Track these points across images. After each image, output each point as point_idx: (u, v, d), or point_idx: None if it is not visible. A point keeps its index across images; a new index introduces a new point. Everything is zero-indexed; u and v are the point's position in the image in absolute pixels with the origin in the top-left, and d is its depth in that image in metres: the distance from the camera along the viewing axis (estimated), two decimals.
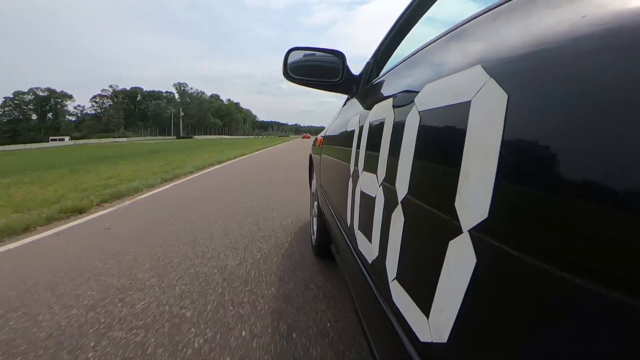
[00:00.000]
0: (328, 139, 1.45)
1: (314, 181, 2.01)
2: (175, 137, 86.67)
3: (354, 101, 1.10)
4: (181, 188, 4.48)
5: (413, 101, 0.45)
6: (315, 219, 1.85)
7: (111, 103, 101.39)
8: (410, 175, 0.42)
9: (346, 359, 1.04)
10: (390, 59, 1.03)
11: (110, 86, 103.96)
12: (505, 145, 0.25)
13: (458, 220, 0.30)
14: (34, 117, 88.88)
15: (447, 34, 0.49)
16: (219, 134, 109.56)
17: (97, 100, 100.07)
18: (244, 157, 10.75)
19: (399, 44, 1.00)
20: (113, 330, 1.18)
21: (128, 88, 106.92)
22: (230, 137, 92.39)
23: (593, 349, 0.18)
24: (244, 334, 1.15)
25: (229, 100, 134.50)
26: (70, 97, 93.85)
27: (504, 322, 0.25)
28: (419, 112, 0.42)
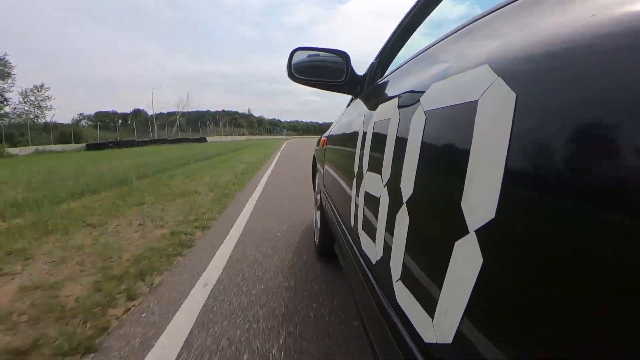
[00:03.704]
0: (332, 140, 1.44)
1: (317, 182, 2.01)
2: None
3: (358, 102, 1.10)
4: None
5: (419, 101, 0.45)
6: (318, 220, 1.85)
7: None
8: (416, 175, 0.42)
9: None
10: (394, 60, 1.03)
11: None
12: (513, 145, 0.25)
13: (464, 220, 0.29)
14: None
15: (453, 33, 0.49)
16: None
17: None
18: None
19: (403, 44, 1.00)
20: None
21: None
22: None
23: (601, 350, 0.18)
24: None
25: None
26: None
27: (510, 323, 0.24)
28: (425, 111, 0.42)
